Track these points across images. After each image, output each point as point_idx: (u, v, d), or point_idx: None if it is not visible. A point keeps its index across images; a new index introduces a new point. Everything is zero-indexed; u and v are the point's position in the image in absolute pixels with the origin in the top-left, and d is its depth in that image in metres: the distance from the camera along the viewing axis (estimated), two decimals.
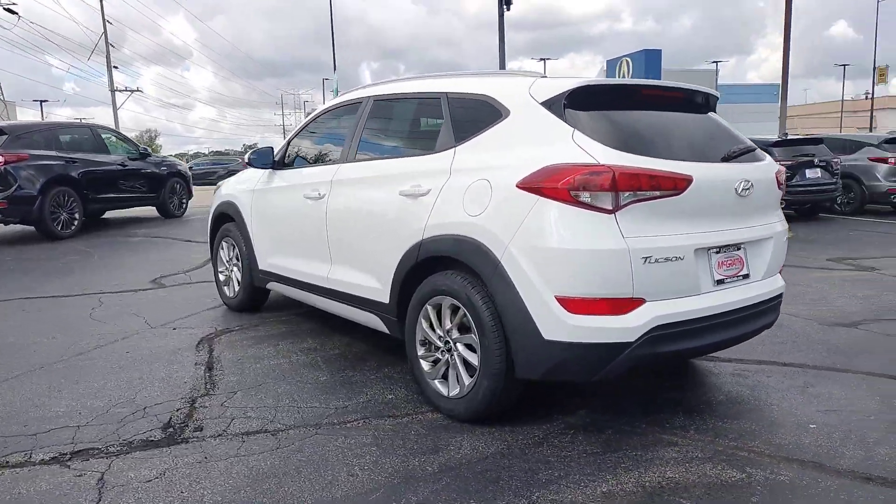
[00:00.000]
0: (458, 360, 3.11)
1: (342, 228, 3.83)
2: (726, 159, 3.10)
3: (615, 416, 3.17)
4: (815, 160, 10.95)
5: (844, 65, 57.88)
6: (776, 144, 11.05)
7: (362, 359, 4.06)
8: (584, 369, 2.79)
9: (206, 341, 4.48)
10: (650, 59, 19.92)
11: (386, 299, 3.49)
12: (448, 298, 3.10)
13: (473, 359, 3.02)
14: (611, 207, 2.66)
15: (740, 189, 3.00)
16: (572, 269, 2.68)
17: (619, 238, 2.66)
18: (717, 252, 2.98)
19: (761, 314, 3.20)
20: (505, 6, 21.32)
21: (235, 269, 5.20)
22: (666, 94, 3.22)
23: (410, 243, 3.26)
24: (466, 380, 3.05)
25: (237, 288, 5.19)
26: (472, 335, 3.00)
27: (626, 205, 2.68)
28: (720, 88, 49.38)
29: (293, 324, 4.90)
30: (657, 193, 2.74)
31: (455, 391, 3.12)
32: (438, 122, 3.45)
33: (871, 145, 12.52)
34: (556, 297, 2.70)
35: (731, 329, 3.03)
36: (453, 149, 3.22)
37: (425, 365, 3.30)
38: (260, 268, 4.81)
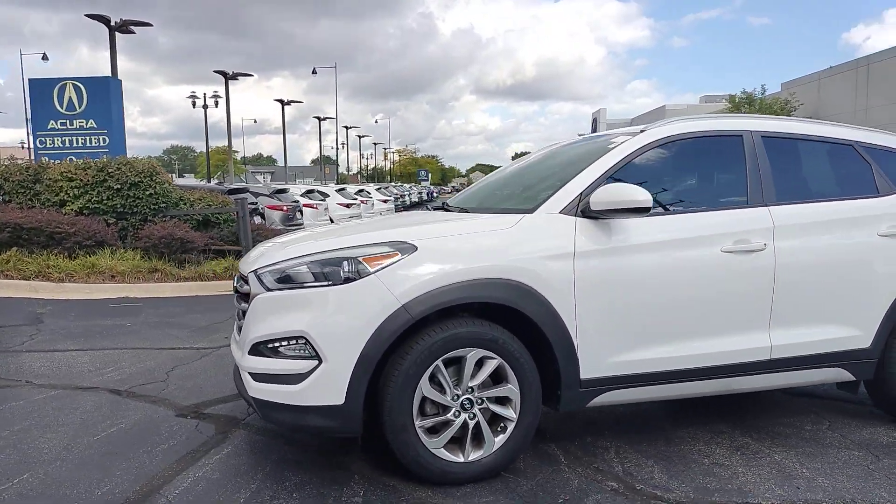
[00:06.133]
0: None
1: (800, 283, 3.48)
2: None
3: None
4: None
5: None
6: None
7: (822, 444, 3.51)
8: None
9: None
10: (114, 87, 12.76)
11: (867, 343, 3.58)
12: None
13: None
14: None
15: None
16: None
17: None
18: None
19: None
20: None
21: (492, 403, 3.00)
22: None
23: None
24: None
25: (496, 439, 3.02)
26: None
27: None
28: None
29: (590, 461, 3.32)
30: None
31: None
32: (859, 166, 3.82)
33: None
34: None
35: None
36: None
37: None
38: (585, 377, 3.10)
